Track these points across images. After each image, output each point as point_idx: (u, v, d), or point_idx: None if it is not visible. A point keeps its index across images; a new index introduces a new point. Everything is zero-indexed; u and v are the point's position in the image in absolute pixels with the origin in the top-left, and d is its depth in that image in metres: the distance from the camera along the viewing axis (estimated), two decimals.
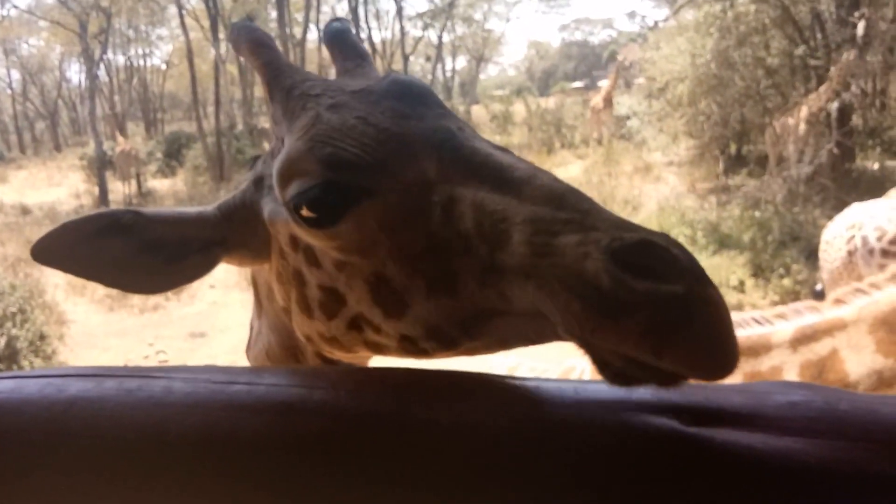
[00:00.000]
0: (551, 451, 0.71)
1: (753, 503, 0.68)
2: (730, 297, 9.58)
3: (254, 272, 1.15)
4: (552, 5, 41.12)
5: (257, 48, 1.06)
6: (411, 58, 35.30)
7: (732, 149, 17.44)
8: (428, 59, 41.06)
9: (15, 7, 35.99)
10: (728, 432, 0.71)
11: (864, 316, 1.99)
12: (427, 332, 0.83)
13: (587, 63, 61.41)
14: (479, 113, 36.06)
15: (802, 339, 2.35)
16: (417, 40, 35.93)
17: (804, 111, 12.46)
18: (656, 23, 24.85)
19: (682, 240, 11.20)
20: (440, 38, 36.92)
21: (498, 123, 29.00)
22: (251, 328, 1.24)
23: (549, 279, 0.70)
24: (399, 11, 32.45)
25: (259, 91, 37.71)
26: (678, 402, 0.74)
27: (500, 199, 0.77)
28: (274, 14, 29.21)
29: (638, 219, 13.10)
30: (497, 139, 25.49)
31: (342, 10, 37.29)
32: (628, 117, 22.21)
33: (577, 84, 46.88)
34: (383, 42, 34.08)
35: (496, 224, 0.76)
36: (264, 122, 34.02)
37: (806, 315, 2.42)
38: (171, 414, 0.70)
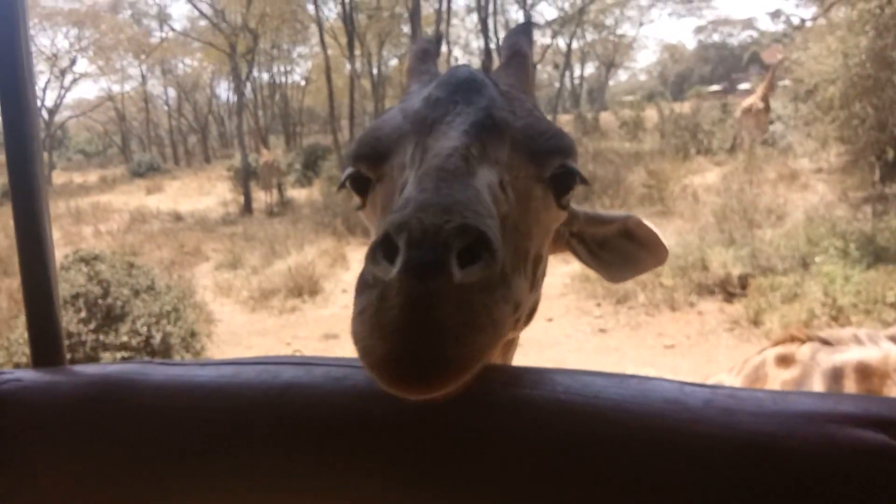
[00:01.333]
0: (749, 462, 0.69)
1: None
2: (887, 315, 8.78)
3: None
4: (689, 7, 39.57)
5: (410, 58, 1.17)
6: (538, 66, 35.19)
7: (890, 155, 16.00)
8: (556, 66, 40.76)
9: (172, 30, 39.45)
10: None
11: None
12: None
13: (725, 65, 58.63)
14: (607, 119, 35.32)
15: None
16: (546, 48, 35.76)
17: None
18: (803, 22, 23.35)
19: (832, 252, 10.47)
20: (569, 45, 36.58)
21: (627, 129, 28.29)
22: None
23: None
24: (528, 20, 32.48)
25: (389, 103, 39.00)
26: (888, 415, 0.70)
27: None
28: (406, 29, 30.14)
29: (783, 230, 12.35)
30: (626, 146, 24.87)
31: (472, 23, 37.87)
32: (772, 122, 20.99)
33: (715, 87, 44.95)
34: None
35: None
36: None
37: None
38: (375, 402, 0.75)
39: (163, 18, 38.38)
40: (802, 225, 12.31)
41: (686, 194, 16.56)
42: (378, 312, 0.62)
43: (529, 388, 0.77)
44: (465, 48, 40.60)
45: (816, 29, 17.41)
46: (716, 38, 62.83)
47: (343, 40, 27.91)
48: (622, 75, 63.76)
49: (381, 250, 0.65)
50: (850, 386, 2.34)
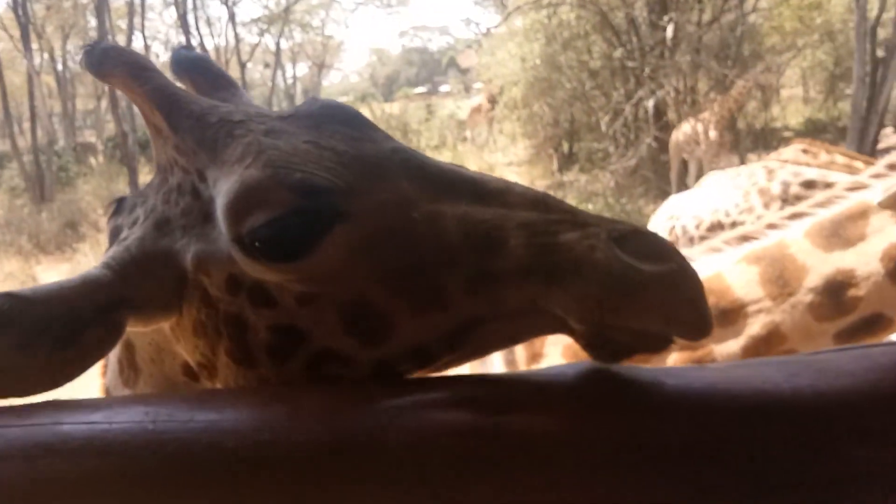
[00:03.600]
0: (344, 457, 0.70)
1: (543, 481, 0.71)
2: None
3: (130, 337, 1.02)
4: (389, 11, 41.42)
5: (138, 72, 0.92)
6: (249, 65, 34.24)
7: (565, 147, 18.45)
8: (267, 65, 40.02)
9: None
10: (523, 418, 0.73)
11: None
12: (410, 352, 0.81)
13: (428, 69, 62.60)
14: None
15: None
16: (254, 47, 34.91)
17: (711, 116, 12.25)
18: (489, 29, 25.77)
19: None
20: (278, 44, 36.06)
21: None
22: (108, 395, 1.12)
23: (560, 273, 0.76)
24: (231, 17, 31.35)
25: (82, 104, 34.83)
26: (471, 394, 0.76)
27: (486, 210, 0.81)
28: (94, 22, 27.26)
29: None
30: None
31: (170, 17, 35.58)
32: None
33: (420, 89, 47.71)
34: (217, 49, 32.68)
35: (488, 232, 0.79)
36: (89, 137, 31.63)
37: None
38: None
39: None
40: None
41: None
42: (681, 298, 0.77)
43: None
44: (166, 44, 38.00)
45: (500, 36, 19.32)
46: (417, 42, 66.80)
47: (16, 32, 24.36)
48: (336, 76, 64.65)
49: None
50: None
